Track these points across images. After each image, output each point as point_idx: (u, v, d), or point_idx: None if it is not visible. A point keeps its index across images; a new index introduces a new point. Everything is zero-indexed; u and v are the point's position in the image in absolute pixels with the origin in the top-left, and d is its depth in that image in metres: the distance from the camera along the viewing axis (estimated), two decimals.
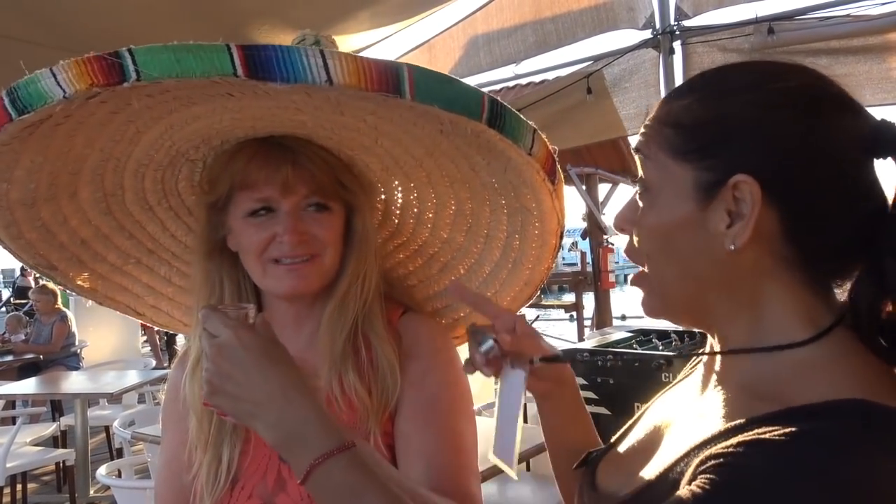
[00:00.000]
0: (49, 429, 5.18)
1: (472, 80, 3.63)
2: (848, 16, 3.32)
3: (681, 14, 3.72)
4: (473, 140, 0.94)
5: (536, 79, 4.60)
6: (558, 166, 0.98)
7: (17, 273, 15.73)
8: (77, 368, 6.96)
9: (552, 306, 11.24)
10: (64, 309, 7.31)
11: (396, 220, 1.22)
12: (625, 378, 3.46)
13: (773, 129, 0.64)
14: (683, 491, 0.56)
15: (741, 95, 0.66)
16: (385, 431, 1.03)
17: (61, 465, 5.16)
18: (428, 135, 0.97)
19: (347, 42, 3.49)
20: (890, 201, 0.64)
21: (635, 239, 0.74)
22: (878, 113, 0.66)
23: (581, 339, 7.76)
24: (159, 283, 1.24)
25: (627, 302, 13.25)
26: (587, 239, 8.51)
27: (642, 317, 1.07)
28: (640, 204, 0.73)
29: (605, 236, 8.12)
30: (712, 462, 0.55)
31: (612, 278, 8.27)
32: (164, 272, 1.23)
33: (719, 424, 0.61)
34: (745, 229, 0.63)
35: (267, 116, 0.94)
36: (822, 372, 0.61)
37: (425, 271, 1.25)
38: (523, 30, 4.04)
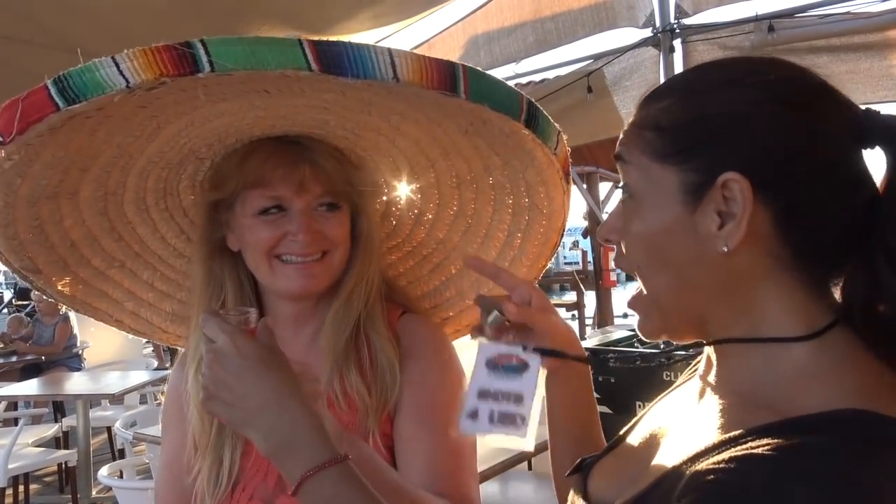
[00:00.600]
0: (51, 430, 5.19)
1: None
2: (848, 13, 3.31)
3: (681, 12, 3.72)
4: (499, 140, 0.95)
5: (537, 78, 4.59)
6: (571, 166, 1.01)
7: None
8: (79, 369, 6.96)
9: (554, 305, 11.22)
10: (66, 310, 7.31)
11: (395, 221, 1.22)
12: (626, 377, 3.46)
13: (759, 124, 0.62)
14: None
15: (721, 92, 0.65)
16: (384, 432, 1.03)
17: (63, 466, 5.16)
18: (448, 135, 0.98)
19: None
20: (881, 191, 0.63)
21: (623, 248, 0.71)
22: (879, 110, 0.65)
23: (583, 337, 7.75)
24: (141, 288, 1.22)
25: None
26: (588, 238, 8.50)
27: None
28: (625, 211, 0.71)
29: None
30: (702, 478, 0.54)
31: (613, 277, 8.25)
32: (147, 276, 1.21)
33: (713, 436, 0.59)
34: (738, 229, 0.61)
35: (291, 115, 0.94)
36: (820, 379, 0.60)
37: (416, 272, 1.25)
38: (523, 29, 4.04)
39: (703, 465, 0.55)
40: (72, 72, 0.74)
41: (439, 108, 0.88)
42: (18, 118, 0.77)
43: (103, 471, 2.95)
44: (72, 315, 7.22)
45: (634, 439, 0.79)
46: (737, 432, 0.57)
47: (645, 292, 0.71)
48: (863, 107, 0.65)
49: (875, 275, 0.61)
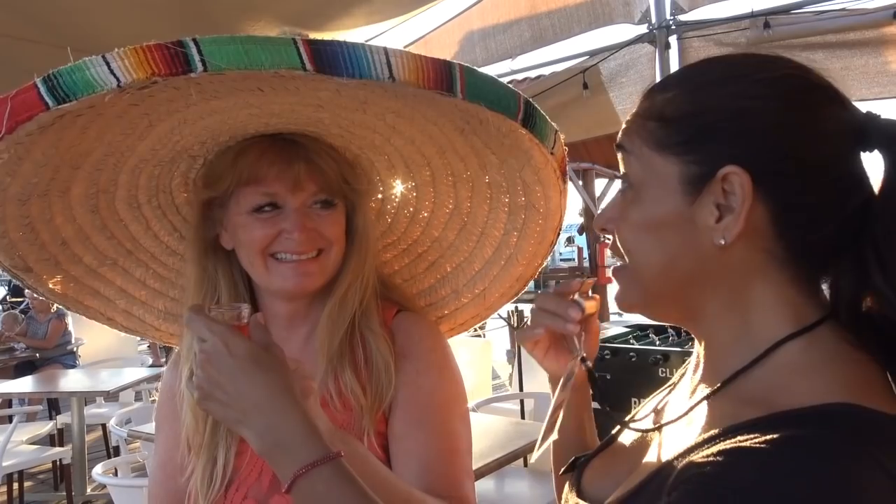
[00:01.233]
0: (45, 427, 5.17)
1: None
2: (843, 10, 3.32)
3: (676, 9, 3.72)
4: (496, 139, 0.94)
5: (532, 74, 4.60)
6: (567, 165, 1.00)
7: None
8: (73, 366, 6.93)
9: None
10: (60, 307, 7.27)
11: (390, 219, 1.21)
12: (622, 373, 3.46)
13: (762, 120, 0.63)
14: (663, 502, 0.55)
15: (726, 86, 0.65)
16: (379, 432, 1.02)
17: (58, 463, 5.14)
18: (444, 133, 0.97)
19: (343, 38, 3.47)
20: (876, 194, 0.63)
21: (618, 237, 0.72)
22: (874, 107, 0.65)
23: None
24: (133, 286, 1.21)
25: None
26: (584, 234, 8.51)
27: None
28: (624, 201, 0.71)
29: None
30: (692, 472, 0.54)
31: (608, 273, 8.26)
32: (140, 274, 1.20)
33: (704, 431, 0.60)
34: (736, 222, 0.62)
35: (286, 113, 0.93)
36: (810, 373, 0.60)
37: (410, 270, 1.25)
38: (519, 25, 4.04)
39: (693, 459, 0.56)
40: (61, 70, 0.73)
41: (435, 107, 0.88)
42: (7, 117, 0.76)
43: (98, 468, 2.94)
44: (66, 312, 7.20)
45: (628, 437, 0.80)
46: (727, 426, 0.57)
47: (630, 265, 0.71)
48: (864, 110, 0.65)
49: (865, 274, 0.62)
